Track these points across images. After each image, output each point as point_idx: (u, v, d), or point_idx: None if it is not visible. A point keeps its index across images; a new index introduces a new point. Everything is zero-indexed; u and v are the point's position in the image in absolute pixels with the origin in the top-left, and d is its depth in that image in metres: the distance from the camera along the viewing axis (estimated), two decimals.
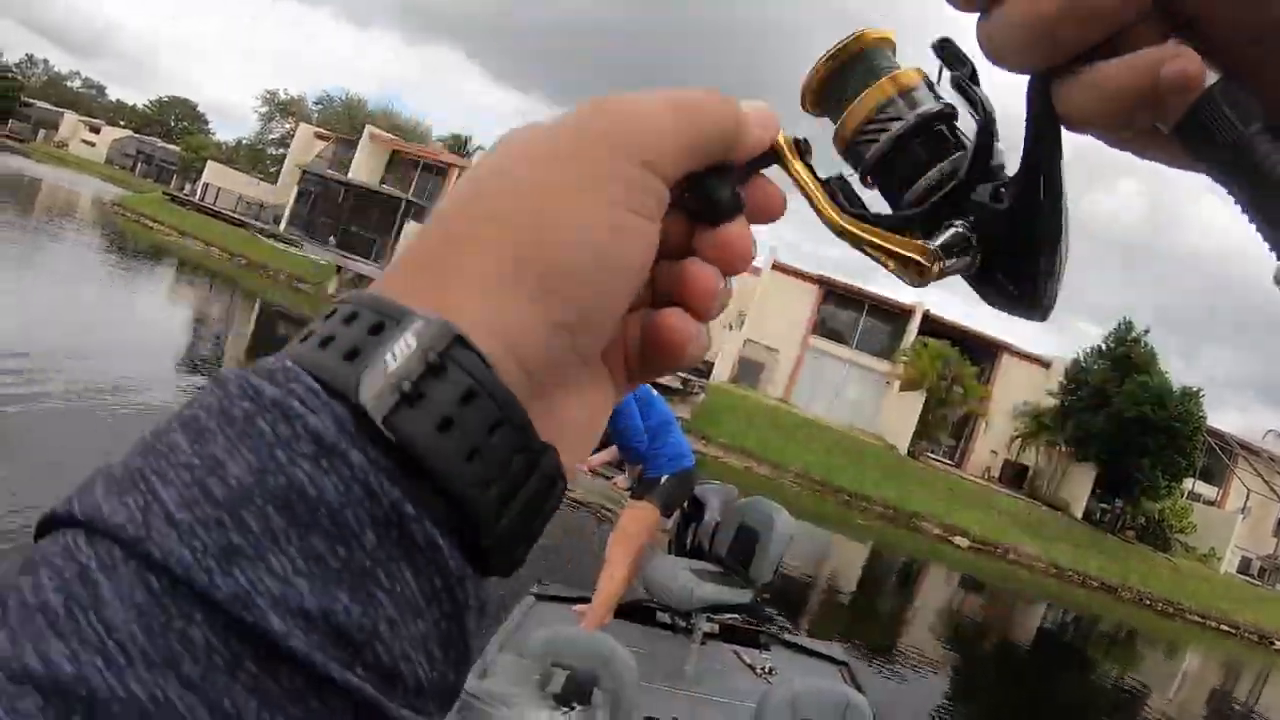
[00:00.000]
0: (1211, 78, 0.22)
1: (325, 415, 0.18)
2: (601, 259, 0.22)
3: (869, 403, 22.41)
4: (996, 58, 0.25)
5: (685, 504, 4.10)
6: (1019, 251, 0.27)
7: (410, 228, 26.46)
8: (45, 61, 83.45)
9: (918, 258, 0.26)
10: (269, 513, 0.17)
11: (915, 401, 20.42)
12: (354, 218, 28.93)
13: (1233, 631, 20.81)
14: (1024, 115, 0.26)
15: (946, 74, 0.27)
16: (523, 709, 1.84)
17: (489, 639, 3.17)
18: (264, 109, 53.67)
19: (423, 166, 31.00)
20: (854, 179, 0.28)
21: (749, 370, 21.33)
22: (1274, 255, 0.22)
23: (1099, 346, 22.74)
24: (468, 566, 0.19)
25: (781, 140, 0.26)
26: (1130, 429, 20.89)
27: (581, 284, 0.22)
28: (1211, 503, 26.51)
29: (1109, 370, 21.74)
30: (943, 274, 0.27)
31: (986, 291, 0.29)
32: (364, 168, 30.96)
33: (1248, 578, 24.54)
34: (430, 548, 0.18)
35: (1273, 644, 21.12)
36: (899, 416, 20.82)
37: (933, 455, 21.97)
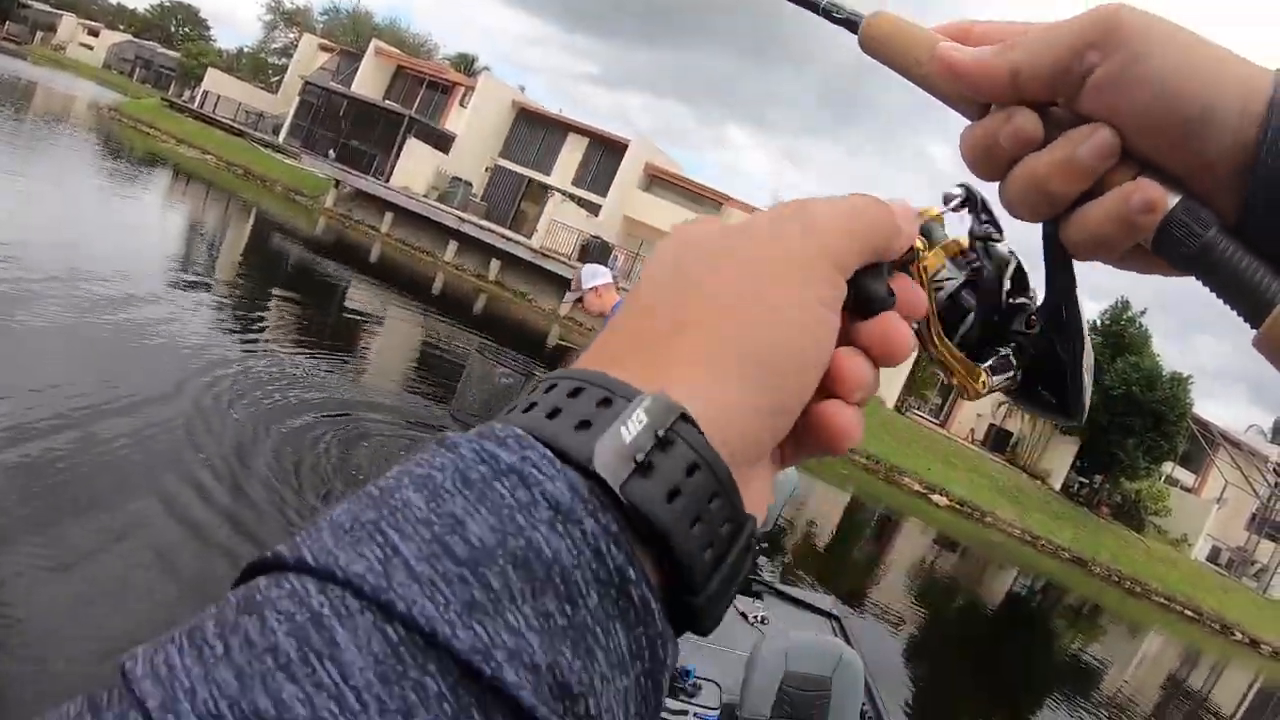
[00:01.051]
0: (1174, 199, 0.27)
1: (561, 482, 0.19)
2: (806, 350, 0.24)
3: None
4: (1013, 214, 0.31)
5: None
6: (1052, 367, 0.32)
7: (412, 145, 25.76)
8: None
9: (973, 381, 0.31)
10: (508, 571, 0.18)
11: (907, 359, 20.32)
12: (355, 132, 28.15)
13: (1196, 617, 21.10)
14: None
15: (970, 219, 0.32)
16: None
17: None
18: (268, 17, 52.27)
19: (427, 84, 30.17)
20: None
21: None
22: (1250, 326, 0.26)
23: (1094, 322, 22.60)
24: (670, 628, 0.21)
25: (919, 244, 0.30)
26: (1116, 407, 20.87)
27: (787, 372, 0.24)
28: (1189, 489, 26.69)
29: (1101, 347, 21.64)
30: (991, 390, 0.32)
31: (1029, 402, 0.33)
32: (368, 82, 30.11)
33: (1216, 567, 24.84)
34: (644, 608, 0.20)
35: (1233, 634, 21.43)
36: (888, 372, 20.70)
37: (919, 413, 21.92)
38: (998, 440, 22.82)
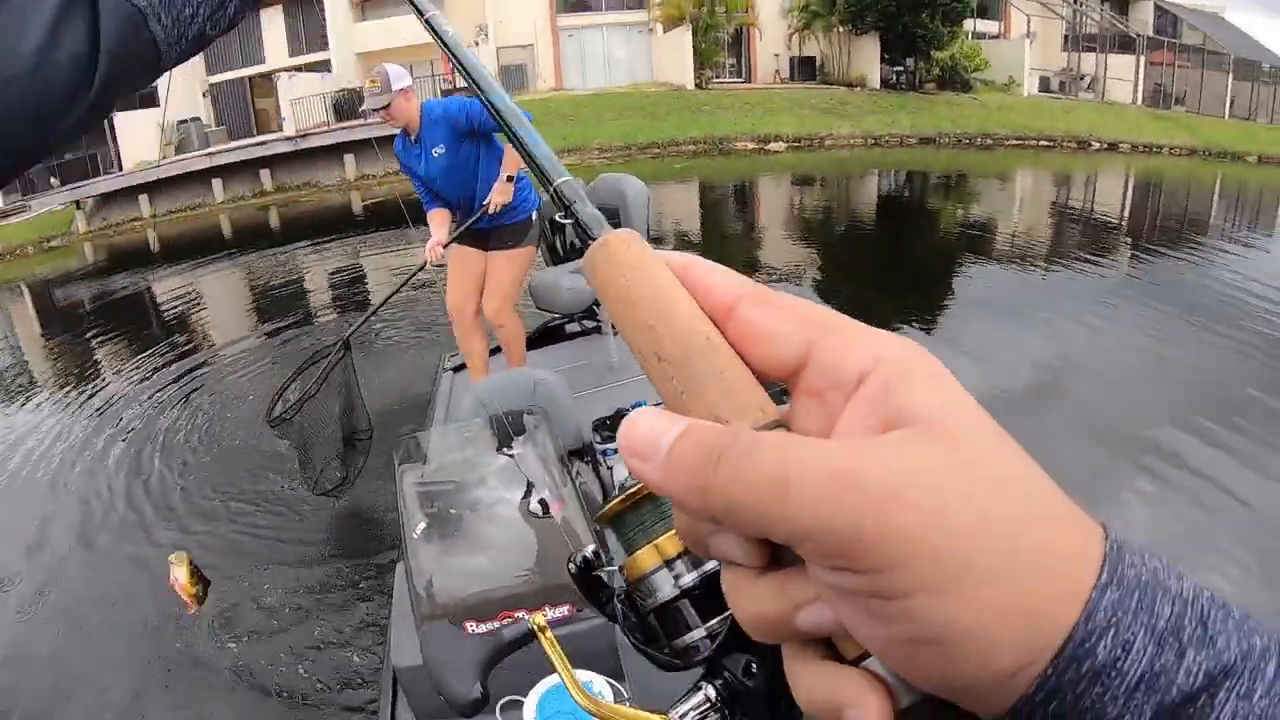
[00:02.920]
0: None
1: None
2: None
3: (640, 56, 21.73)
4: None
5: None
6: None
7: (122, 119, 23.22)
8: None
9: None
10: None
11: (684, 36, 19.78)
12: (63, 146, 25.12)
13: (1051, 144, 22.00)
14: None
15: None
16: (467, 469, 1.82)
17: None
18: None
19: None
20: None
21: (513, 76, 20.17)
22: None
23: None
24: None
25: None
26: None
27: None
28: (996, 36, 27.46)
29: None
30: None
31: None
32: None
33: (1050, 94, 25.96)
34: None
35: (1090, 146, 22.56)
36: (674, 57, 20.26)
37: (720, 80, 21.70)
38: (804, 69, 22.83)
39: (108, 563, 3.98)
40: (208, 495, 4.44)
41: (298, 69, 21.99)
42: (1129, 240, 10.77)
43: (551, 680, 1.46)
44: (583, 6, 21.44)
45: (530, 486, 1.71)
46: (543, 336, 4.08)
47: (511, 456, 1.77)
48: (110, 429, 6.15)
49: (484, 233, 3.49)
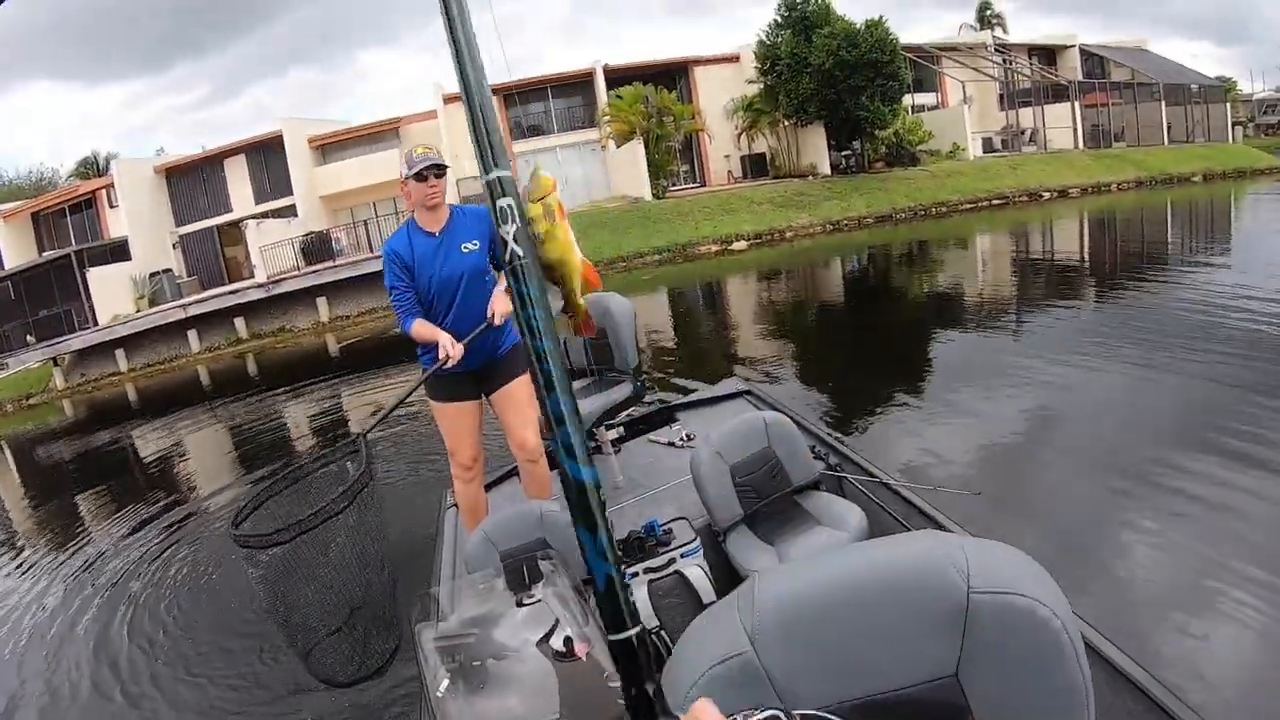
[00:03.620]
0: None
1: None
2: None
3: (595, 173, 22.33)
4: None
5: None
6: None
7: (94, 275, 23.47)
8: None
9: None
10: None
11: (636, 150, 20.41)
12: (36, 303, 25.29)
13: (1004, 201, 22.72)
14: None
15: None
16: (488, 624, 1.75)
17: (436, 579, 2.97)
18: None
19: (70, 210, 27.23)
20: None
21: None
22: None
23: (775, 20, 23.17)
24: None
25: None
26: (834, 77, 21.67)
27: None
28: (935, 107, 28.57)
29: (793, 37, 22.29)
30: None
31: None
32: (14, 250, 26.88)
33: (996, 153, 26.92)
34: None
35: (1041, 197, 23.35)
36: (629, 171, 20.86)
37: (676, 188, 22.33)
38: (755, 166, 23.55)
39: None
40: (182, 677, 4.08)
41: (264, 215, 22.45)
42: (1093, 279, 11.07)
43: None
44: (535, 131, 22.15)
45: (553, 629, 1.71)
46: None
47: (531, 604, 1.78)
48: (88, 590, 6.03)
49: (474, 374, 3.10)
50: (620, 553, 2.42)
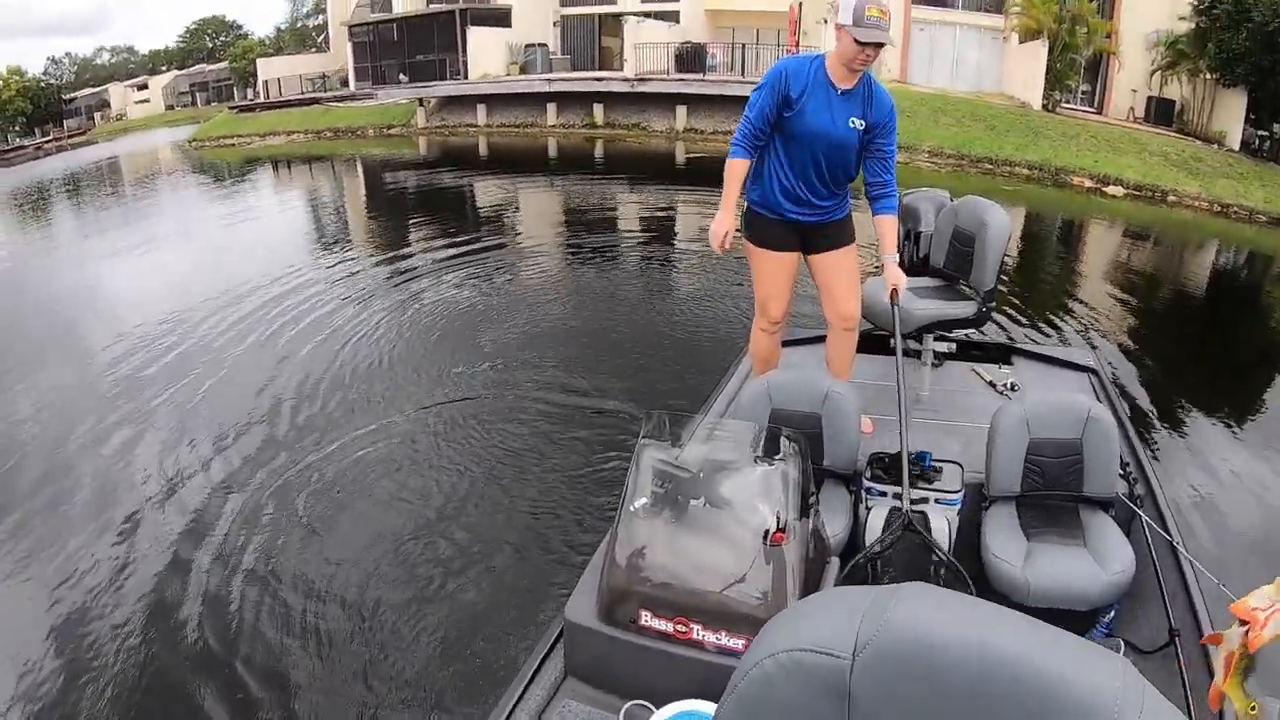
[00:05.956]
0: None
1: None
2: None
3: (990, 63, 21.08)
4: None
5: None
6: None
7: (474, 34, 25.90)
8: (67, 55, 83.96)
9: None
10: None
11: (1039, 51, 19.05)
12: (416, 48, 28.55)
13: None
14: None
15: None
16: (716, 470, 1.74)
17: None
18: None
19: None
20: None
21: None
22: None
23: None
24: None
25: None
26: (1276, 43, 18.82)
27: None
28: None
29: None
30: None
31: None
32: None
33: None
34: None
35: None
36: (1025, 71, 19.58)
37: (1069, 105, 20.73)
38: (1161, 112, 21.15)
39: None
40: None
41: (647, 15, 23.47)
42: None
43: (686, 705, 1.49)
44: (940, 1, 21.20)
45: (769, 507, 1.63)
46: (860, 344, 3.64)
47: (766, 468, 1.71)
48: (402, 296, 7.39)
49: (801, 229, 2.94)
50: (880, 470, 2.37)
